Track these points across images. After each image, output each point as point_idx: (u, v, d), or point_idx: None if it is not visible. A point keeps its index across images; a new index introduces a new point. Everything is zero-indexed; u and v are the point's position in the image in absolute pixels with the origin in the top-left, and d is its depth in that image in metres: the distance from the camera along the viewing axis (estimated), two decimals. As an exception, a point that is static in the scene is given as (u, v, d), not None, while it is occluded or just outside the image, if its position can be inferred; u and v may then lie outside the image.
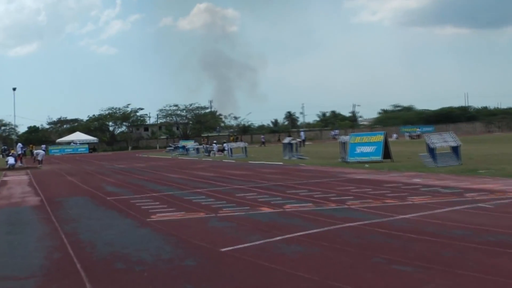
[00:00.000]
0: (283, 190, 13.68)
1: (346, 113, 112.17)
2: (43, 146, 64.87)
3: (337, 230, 7.95)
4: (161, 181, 18.76)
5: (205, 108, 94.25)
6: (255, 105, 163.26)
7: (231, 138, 76.80)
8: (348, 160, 23.48)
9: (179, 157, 42.76)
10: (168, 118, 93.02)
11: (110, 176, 22.91)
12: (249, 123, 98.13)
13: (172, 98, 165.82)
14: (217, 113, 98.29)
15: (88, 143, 77.72)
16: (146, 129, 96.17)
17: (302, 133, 54.39)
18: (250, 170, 22.37)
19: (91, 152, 75.07)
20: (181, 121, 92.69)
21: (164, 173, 23.57)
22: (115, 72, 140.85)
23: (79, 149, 74.81)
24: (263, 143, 65.12)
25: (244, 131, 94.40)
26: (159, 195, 14.07)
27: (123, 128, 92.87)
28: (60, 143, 78.12)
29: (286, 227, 8.26)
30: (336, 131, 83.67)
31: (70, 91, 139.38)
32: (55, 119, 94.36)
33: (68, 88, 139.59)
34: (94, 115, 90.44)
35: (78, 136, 79.36)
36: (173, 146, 57.26)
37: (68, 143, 77.33)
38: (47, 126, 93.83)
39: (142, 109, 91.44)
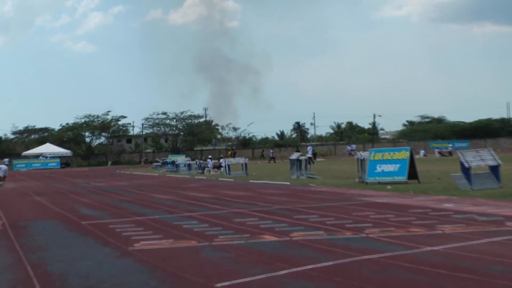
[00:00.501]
0: (290, 215, 13.71)
1: (365, 124, 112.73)
2: (6, 160, 65.00)
3: (353, 263, 7.95)
4: (146, 203, 18.83)
5: (199, 117, 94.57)
6: (258, 114, 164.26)
7: (229, 152, 77.06)
8: (367, 181, 23.49)
9: (168, 175, 42.90)
10: (155, 128, 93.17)
11: (86, 196, 23.01)
12: (251, 135, 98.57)
13: (160, 105, 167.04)
14: (213, 123, 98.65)
15: (60, 157, 78.22)
16: (129, 140, 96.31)
17: (309, 148, 53.90)
18: (251, 191, 22.45)
19: (64, 167, 75.58)
20: (170, 132, 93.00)
21: (150, 193, 23.65)
22: (93, 73, 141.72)
23: (49, 164, 75.43)
24: (273, 158, 65.45)
25: (245, 144, 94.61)
26: (143, 219, 14.10)
27: (102, 140, 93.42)
28: (26, 157, 78.51)
29: (293, 259, 8.27)
30: (353, 146, 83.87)
31: (40, 95, 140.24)
32: (21, 128, 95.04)
33: (38, 92, 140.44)
34: (67, 124, 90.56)
35: (48, 148, 79.67)
36: (160, 161, 57.72)
37: (37, 156, 77.82)
38: (12, 136, 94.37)
39: (124, 117, 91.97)
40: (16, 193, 27.26)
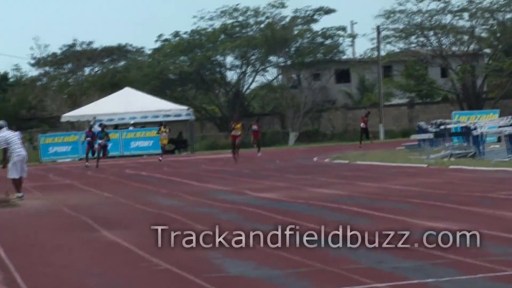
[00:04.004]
0: None
1: None
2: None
3: None
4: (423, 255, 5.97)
5: None
6: None
7: None
8: None
9: (452, 166, 18.56)
10: (415, 39, 42.45)
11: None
12: None
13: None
14: None
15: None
16: (342, 74, 46.54)
17: None
18: None
19: (173, 152, 36.18)
20: (457, 46, 41.72)
21: (409, 216, 9.57)
22: None
23: (131, 145, 34.79)
24: None
25: None
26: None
27: (270, 75, 44.37)
28: (71, 124, 37.27)
29: None
30: None
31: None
32: (57, 49, 45.20)
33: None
34: (177, 35, 42.40)
35: (129, 101, 36.00)
36: (431, 128, 25.73)
37: (103, 125, 34.76)
38: (33, 72, 45.91)
39: (330, 12, 42.35)
40: (52, 221, 12.17)
